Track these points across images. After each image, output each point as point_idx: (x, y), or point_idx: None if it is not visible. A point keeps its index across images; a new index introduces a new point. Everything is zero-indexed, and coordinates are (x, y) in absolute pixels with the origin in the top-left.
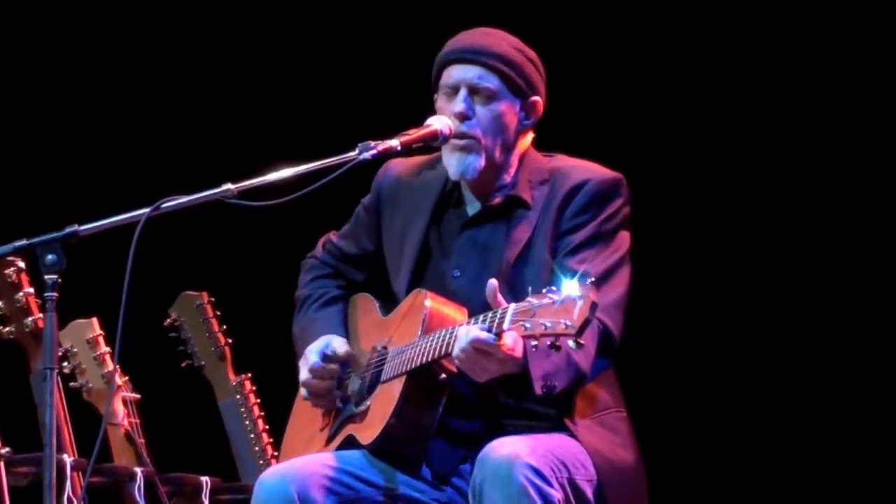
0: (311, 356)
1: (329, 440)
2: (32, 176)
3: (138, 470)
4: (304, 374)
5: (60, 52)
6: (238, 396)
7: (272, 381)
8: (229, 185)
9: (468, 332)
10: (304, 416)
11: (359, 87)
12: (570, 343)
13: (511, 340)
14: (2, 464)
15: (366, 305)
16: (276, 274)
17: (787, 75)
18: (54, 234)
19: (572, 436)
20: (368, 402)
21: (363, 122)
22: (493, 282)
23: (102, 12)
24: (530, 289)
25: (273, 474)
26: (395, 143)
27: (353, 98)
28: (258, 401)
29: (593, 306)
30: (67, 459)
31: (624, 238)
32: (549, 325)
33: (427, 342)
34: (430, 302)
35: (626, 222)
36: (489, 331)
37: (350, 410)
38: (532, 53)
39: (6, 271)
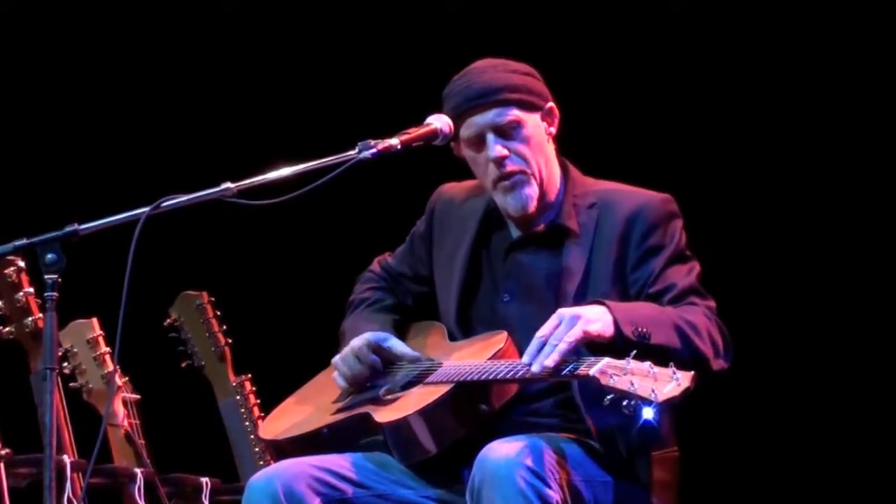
0: (361, 341)
1: (339, 412)
2: (32, 176)
3: (138, 471)
4: (341, 353)
5: (60, 51)
6: (238, 396)
7: (272, 381)
8: (229, 184)
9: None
10: (321, 386)
11: (358, 86)
12: (646, 410)
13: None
14: (2, 465)
15: (436, 330)
16: (276, 274)
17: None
18: (54, 234)
19: (576, 439)
20: (400, 394)
21: (363, 121)
22: None
23: (102, 12)
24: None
25: (261, 475)
26: (394, 141)
27: (353, 97)
28: (258, 401)
29: (686, 391)
30: (67, 460)
31: (692, 256)
32: (635, 384)
33: (492, 365)
34: (508, 342)
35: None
36: (574, 369)
37: (374, 394)
38: (526, 67)
39: (6, 271)
